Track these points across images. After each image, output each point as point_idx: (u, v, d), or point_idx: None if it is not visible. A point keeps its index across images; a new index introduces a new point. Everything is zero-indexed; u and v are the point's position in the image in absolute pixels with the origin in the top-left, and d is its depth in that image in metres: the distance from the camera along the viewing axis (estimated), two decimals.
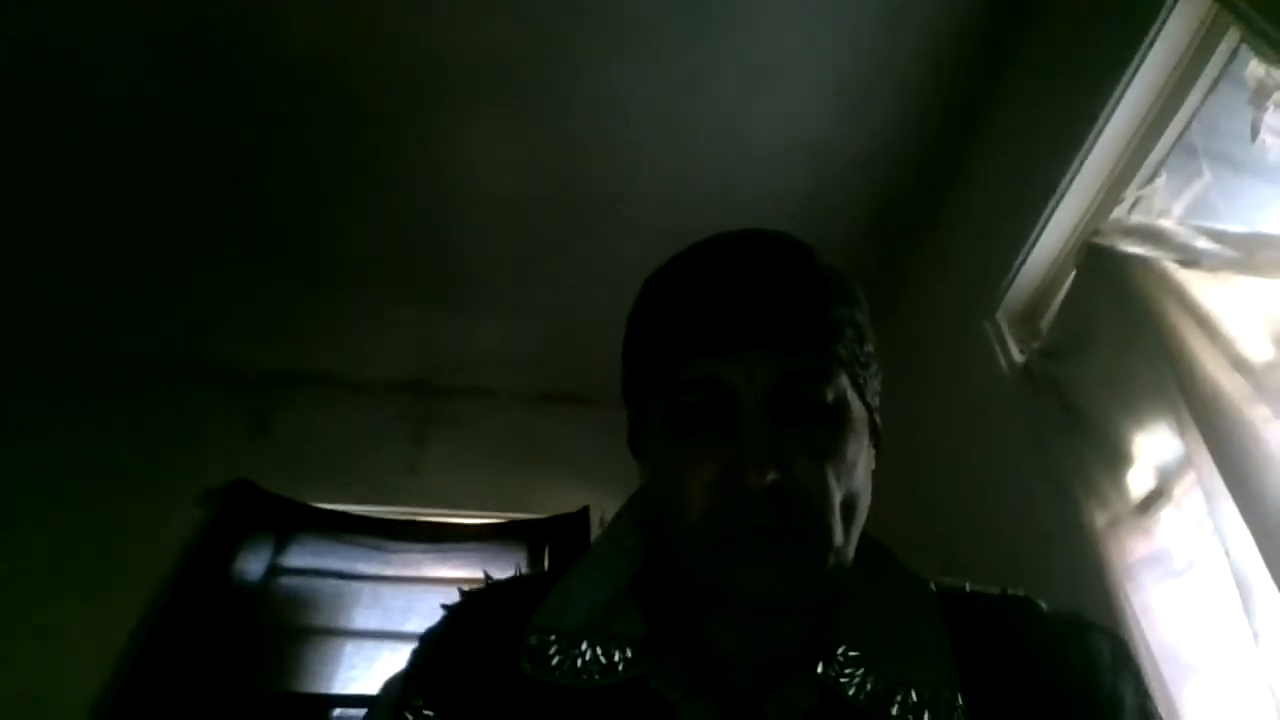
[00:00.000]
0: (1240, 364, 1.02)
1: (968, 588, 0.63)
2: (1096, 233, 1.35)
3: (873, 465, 0.62)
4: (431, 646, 0.66)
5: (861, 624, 0.57)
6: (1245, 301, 1.08)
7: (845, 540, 0.55)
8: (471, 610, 0.67)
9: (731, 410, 0.54)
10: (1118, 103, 1.36)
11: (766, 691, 0.55)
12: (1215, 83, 1.29)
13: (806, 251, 0.59)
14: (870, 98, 1.85)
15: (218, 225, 2.13)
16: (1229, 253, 1.11)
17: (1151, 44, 1.29)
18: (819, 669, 0.54)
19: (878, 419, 0.63)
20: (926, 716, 0.52)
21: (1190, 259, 1.14)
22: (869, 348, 0.62)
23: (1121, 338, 1.23)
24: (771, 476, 0.51)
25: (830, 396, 0.56)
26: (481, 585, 0.70)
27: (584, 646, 0.57)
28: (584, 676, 0.56)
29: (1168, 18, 1.26)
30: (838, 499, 0.53)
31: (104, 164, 1.93)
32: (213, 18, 1.66)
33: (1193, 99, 1.32)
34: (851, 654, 0.55)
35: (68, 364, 2.46)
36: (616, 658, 0.56)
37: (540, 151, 1.98)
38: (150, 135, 1.88)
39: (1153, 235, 1.23)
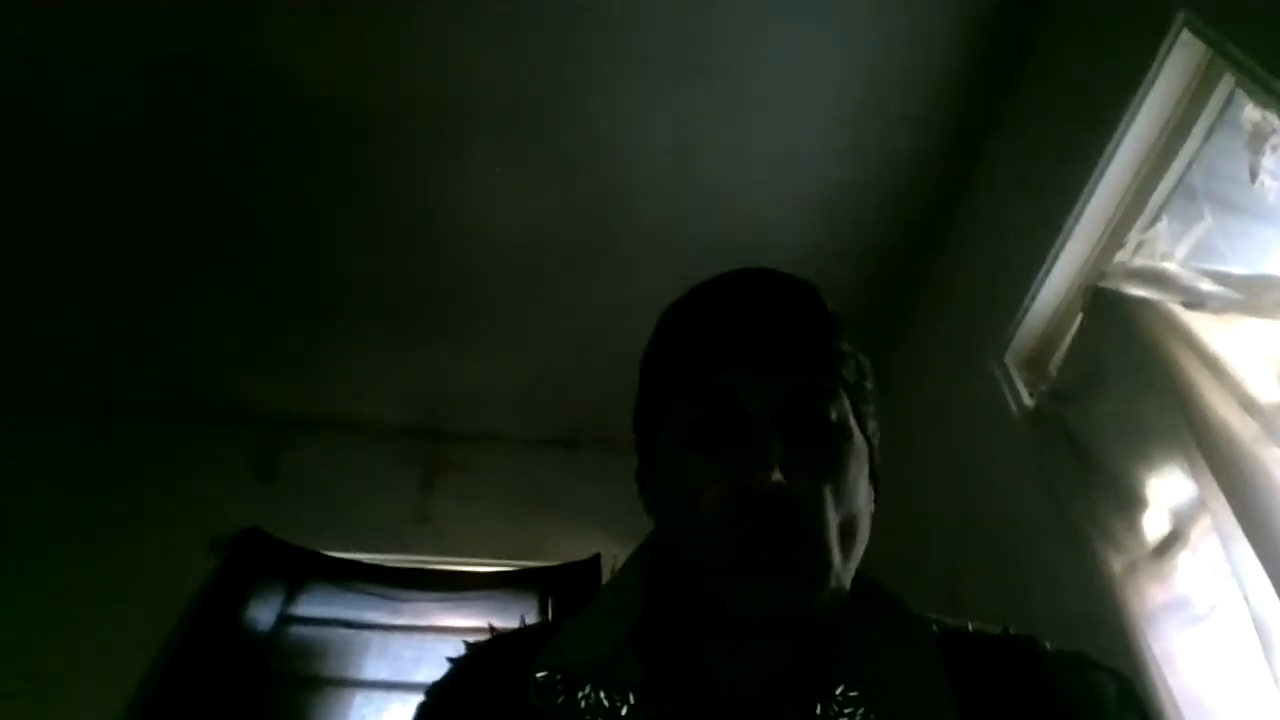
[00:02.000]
0: (1249, 405, 1.02)
1: (970, 628, 0.63)
2: (1101, 276, 1.36)
3: (872, 506, 0.64)
4: (436, 699, 0.66)
5: (860, 662, 0.57)
6: (1251, 343, 1.08)
7: (843, 563, 0.56)
8: (476, 661, 0.68)
9: (743, 424, 0.57)
10: (1117, 147, 1.39)
11: None
12: (1213, 127, 1.31)
13: (813, 289, 0.64)
14: (873, 141, 1.88)
15: (220, 266, 2.16)
16: (1233, 295, 1.12)
17: (1148, 90, 1.32)
18: (818, 710, 0.54)
19: (877, 458, 0.65)
20: None
21: (1195, 301, 1.15)
22: (869, 385, 0.65)
23: (1130, 380, 1.23)
24: (776, 478, 0.53)
25: (834, 416, 0.59)
26: (487, 638, 0.70)
27: (588, 689, 0.58)
28: (587, 718, 0.56)
29: (1163, 64, 1.29)
30: (834, 519, 0.55)
31: (103, 203, 1.97)
32: (213, 54, 1.71)
33: (1191, 143, 1.34)
34: (850, 694, 0.55)
35: (71, 407, 2.48)
36: (619, 703, 0.57)
37: (544, 191, 2.01)
38: (150, 174, 1.91)
39: (1157, 278, 1.24)
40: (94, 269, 2.15)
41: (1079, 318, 1.44)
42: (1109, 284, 1.31)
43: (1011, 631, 0.62)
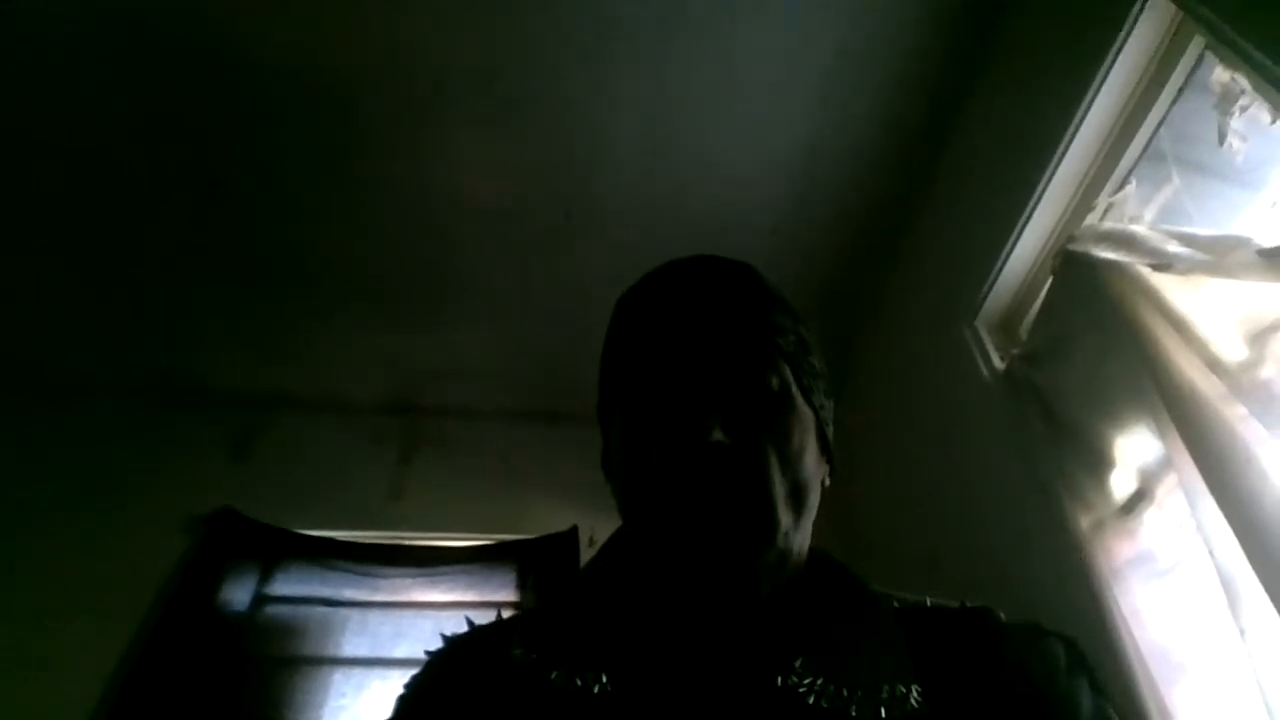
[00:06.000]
0: (1215, 364, 1.03)
1: (929, 603, 0.65)
2: (1071, 239, 1.37)
3: (825, 478, 0.67)
4: (414, 691, 0.67)
5: (817, 635, 0.59)
6: (1218, 303, 1.09)
7: (793, 525, 0.58)
8: (453, 652, 0.69)
9: (682, 395, 0.59)
10: (1087, 111, 1.39)
11: (731, 703, 0.56)
12: (1181, 90, 1.32)
13: (750, 268, 0.67)
14: (843, 111, 1.87)
15: (192, 244, 2.11)
16: (1200, 256, 1.13)
17: (1118, 53, 1.32)
18: (778, 682, 0.55)
19: (829, 432, 0.67)
20: (884, 711, 0.53)
21: (1163, 263, 1.16)
22: (815, 361, 0.67)
23: (1099, 342, 1.25)
24: (715, 436, 0.55)
25: (774, 384, 0.61)
26: (463, 631, 0.71)
27: (559, 673, 0.58)
28: (560, 697, 0.57)
29: (1133, 26, 1.29)
30: (780, 480, 0.57)
31: (75, 180, 1.92)
32: (191, 27, 1.65)
33: (1160, 106, 1.35)
34: (810, 665, 0.56)
35: (43, 388, 2.42)
36: (591, 682, 0.57)
37: (520, 163, 1.98)
38: (125, 152, 1.86)
39: (1126, 240, 1.24)
40: (64, 248, 2.09)
41: (1049, 281, 1.45)
42: (1078, 247, 1.32)
43: (969, 605, 0.64)
